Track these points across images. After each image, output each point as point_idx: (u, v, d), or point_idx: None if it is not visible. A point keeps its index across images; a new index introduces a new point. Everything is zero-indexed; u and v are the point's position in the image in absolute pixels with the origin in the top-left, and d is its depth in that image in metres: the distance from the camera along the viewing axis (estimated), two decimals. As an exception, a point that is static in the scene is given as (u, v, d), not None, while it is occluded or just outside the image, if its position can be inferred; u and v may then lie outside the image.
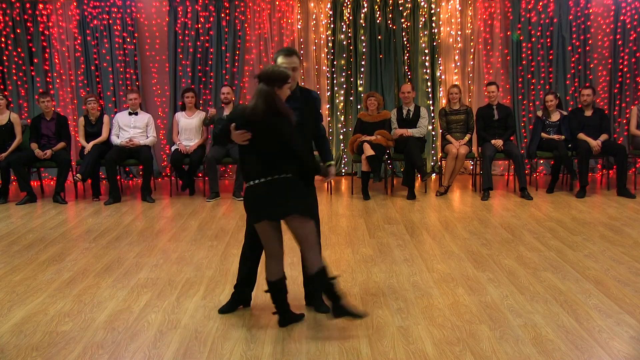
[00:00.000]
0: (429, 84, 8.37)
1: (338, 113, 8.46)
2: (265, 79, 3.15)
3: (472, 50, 8.46)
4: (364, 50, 8.32)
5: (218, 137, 3.37)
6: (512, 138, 7.25)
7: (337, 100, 8.43)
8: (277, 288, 3.34)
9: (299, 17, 8.36)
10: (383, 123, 7.15)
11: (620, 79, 8.34)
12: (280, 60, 3.39)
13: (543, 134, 7.19)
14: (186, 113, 7.39)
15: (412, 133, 7.10)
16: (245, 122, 3.18)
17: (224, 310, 3.59)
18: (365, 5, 8.27)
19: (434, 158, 8.49)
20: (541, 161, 8.09)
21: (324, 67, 8.42)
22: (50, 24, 8.25)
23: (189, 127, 7.32)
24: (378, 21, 8.30)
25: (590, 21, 8.30)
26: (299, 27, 8.38)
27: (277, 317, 3.42)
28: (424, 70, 8.37)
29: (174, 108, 8.24)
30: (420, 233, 5.38)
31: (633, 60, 8.28)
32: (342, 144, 8.51)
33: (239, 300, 3.64)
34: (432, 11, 8.30)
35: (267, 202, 3.16)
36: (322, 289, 3.27)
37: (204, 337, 3.27)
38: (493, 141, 7.00)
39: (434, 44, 8.35)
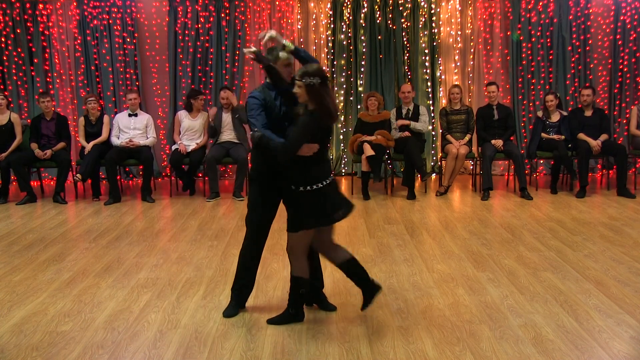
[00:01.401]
0: (429, 84, 8.37)
1: (338, 113, 8.45)
2: (324, 77, 3.15)
3: (472, 50, 8.46)
4: (364, 50, 8.32)
5: (288, 153, 3.18)
6: (512, 138, 7.25)
7: (337, 100, 8.42)
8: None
9: (299, 17, 8.36)
10: (383, 123, 7.15)
11: (620, 79, 8.33)
12: (283, 54, 3.45)
13: (543, 134, 7.19)
14: (191, 114, 7.35)
15: (413, 125, 7.10)
16: (322, 128, 3.20)
17: (230, 314, 3.54)
18: (365, 5, 8.26)
19: (434, 158, 8.48)
20: (541, 161, 8.09)
21: (324, 67, 8.41)
22: (50, 24, 8.24)
23: (193, 128, 7.30)
24: (378, 21, 8.30)
25: (590, 21, 8.29)
26: (299, 27, 8.38)
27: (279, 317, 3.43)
28: (424, 70, 8.37)
29: (174, 108, 8.23)
30: (420, 233, 5.37)
31: (633, 60, 8.28)
32: (342, 144, 8.51)
33: (239, 303, 3.63)
34: (432, 11, 8.30)
35: (332, 203, 3.23)
36: (352, 278, 3.39)
37: (204, 337, 3.27)
38: (493, 141, 7.00)
39: (434, 44, 8.35)
